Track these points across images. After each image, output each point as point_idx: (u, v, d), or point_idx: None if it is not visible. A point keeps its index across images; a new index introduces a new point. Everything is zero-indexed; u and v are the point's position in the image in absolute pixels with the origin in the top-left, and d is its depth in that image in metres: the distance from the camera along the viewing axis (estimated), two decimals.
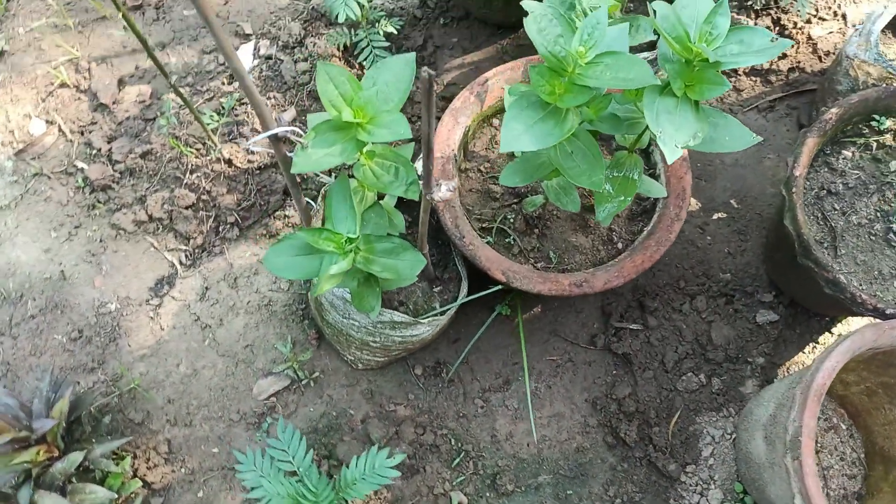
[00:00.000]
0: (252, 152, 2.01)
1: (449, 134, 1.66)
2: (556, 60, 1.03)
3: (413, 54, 1.25)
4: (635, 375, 1.84)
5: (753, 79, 2.14)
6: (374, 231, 1.40)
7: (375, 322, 1.57)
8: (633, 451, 1.77)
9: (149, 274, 1.96)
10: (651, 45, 1.67)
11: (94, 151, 2.08)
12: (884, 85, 1.76)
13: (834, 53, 2.13)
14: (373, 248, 1.34)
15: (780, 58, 2.12)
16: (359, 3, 1.76)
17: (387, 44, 1.96)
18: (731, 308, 1.89)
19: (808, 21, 2.08)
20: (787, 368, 1.84)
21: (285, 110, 2.02)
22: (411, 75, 1.25)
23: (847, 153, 1.68)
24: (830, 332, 1.88)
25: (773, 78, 2.13)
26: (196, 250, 1.97)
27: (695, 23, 1.11)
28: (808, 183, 1.65)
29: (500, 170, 1.73)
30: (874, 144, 1.67)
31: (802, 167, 1.57)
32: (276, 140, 1.18)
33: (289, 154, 1.22)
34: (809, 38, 2.12)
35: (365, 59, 1.97)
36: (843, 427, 1.78)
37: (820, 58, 2.13)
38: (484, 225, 1.68)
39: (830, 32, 2.14)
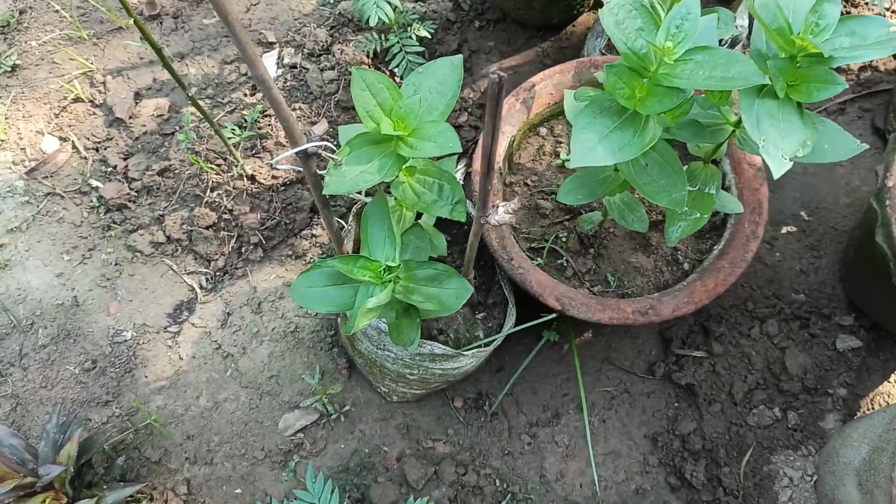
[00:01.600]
0: (277, 168, 1.86)
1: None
2: (636, 58, 0.86)
3: (460, 56, 1.09)
4: (700, 409, 1.66)
5: None
6: (415, 256, 1.24)
7: (413, 354, 1.42)
8: (701, 495, 1.58)
9: (167, 299, 1.83)
10: (731, 44, 1.50)
11: (110, 169, 1.95)
12: None
13: None
14: (413, 276, 1.18)
15: None
16: (391, 4, 1.61)
17: (420, 49, 1.81)
18: (806, 333, 1.70)
19: (882, 14, 1.89)
20: (872, 400, 1.65)
21: (315, 123, 1.88)
22: (458, 80, 1.10)
23: None
24: None
25: (843, 77, 1.94)
26: (217, 273, 1.83)
27: (798, 12, 0.94)
28: None
29: (548, 183, 1.56)
30: None
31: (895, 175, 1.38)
32: (305, 157, 1.03)
33: (320, 172, 1.07)
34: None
35: (397, 66, 1.82)
36: None
37: (895, 55, 1.94)
38: (533, 245, 1.51)
39: None
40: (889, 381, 1.66)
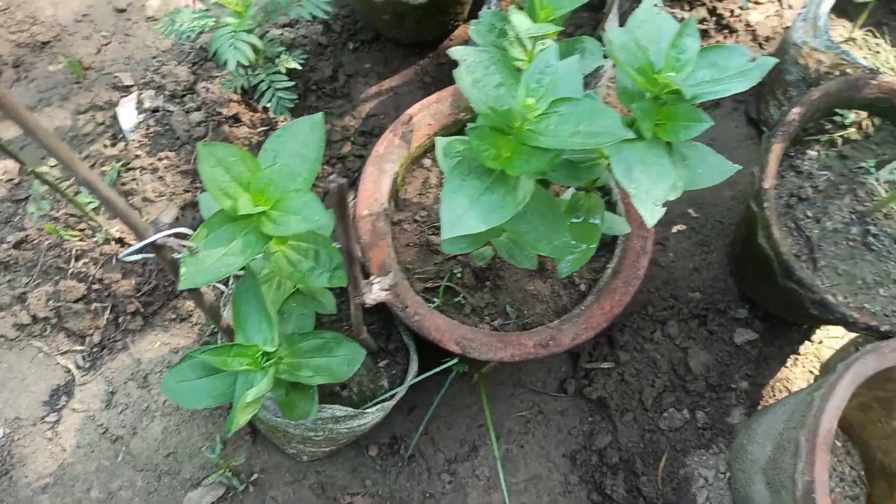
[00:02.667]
0: (125, 261, 1.72)
1: (375, 186, 1.43)
2: (498, 117, 0.81)
3: (321, 115, 1.01)
4: (613, 420, 1.66)
5: None
6: (299, 326, 1.16)
7: (314, 419, 1.33)
8: None
9: (40, 385, 1.66)
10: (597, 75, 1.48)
11: None
12: (838, 73, 1.62)
13: (774, 38, 2.00)
14: (299, 350, 1.10)
15: None
16: (251, 44, 1.50)
17: (290, 83, 1.71)
18: (705, 330, 1.73)
19: (744, 7, 1.94)
20: (773, 387, 1.70)
21: (185, 171, 1.74)
22: (321, 141, 1.02)
23: (812, 153, 1.53)
24: (811, 341, 1.74)
25: None
26: (94, 349, 1.68)
27: (658, 48, 0.92)
28: (776, 192, 1.50)
29: (437, 218, 1.51)
30: (839, 140, 1.53)
31: (771, 178, 1.41)
32: (156, 248, 0.93)
33: (177, 257, 0.97)
34: (748, 25, 1.99)
35: (268, 103, 1.71)
36: (839, 444, 1.64)
37: (760, 44, 2.00)
38: (428, 284, 1.46)
39: (768, 16, 2.01)
40: (786, 367, 1.72)
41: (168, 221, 1.21)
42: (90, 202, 1.65)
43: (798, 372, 1.72)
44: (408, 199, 1.53)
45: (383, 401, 1.36)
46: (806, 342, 1.74)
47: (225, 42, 1.46)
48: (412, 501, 1.59)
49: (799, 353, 1.73)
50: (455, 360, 1.33)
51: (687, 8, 1.91)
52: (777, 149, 1.42)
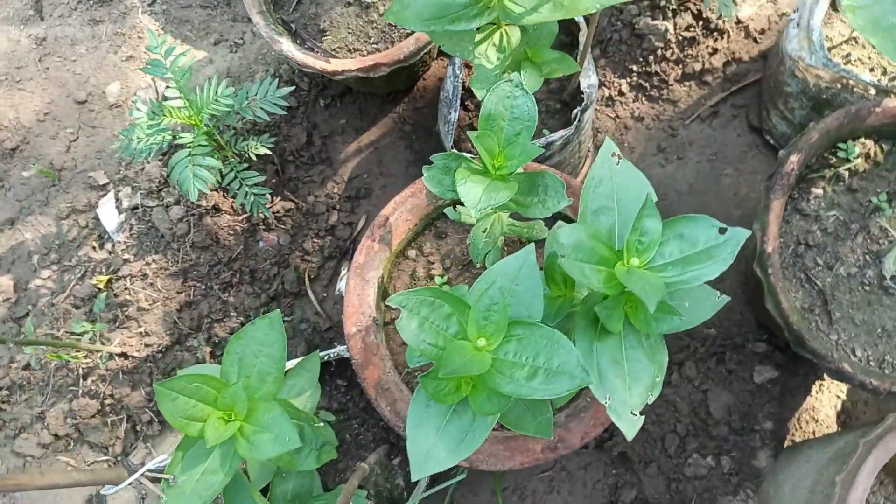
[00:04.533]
0: (147, 334, 1.72)
1: (361, 299, 1.38)
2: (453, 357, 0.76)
3: (277, 312, 0.98)
4: (637, 472, 1.65)
5: (687, 84, 1.85)
6: (296, 495, 1.15)
7: None
8: None
9: (75, 497, 1.71)
10: (583, 109, 1.40)
11: None
12: (839, 87, 1.49)
13: (770, 29, 1.84)
14: None
15: (711, 53, 1.83)
16: (209, 168, 1.43)
17: (261, 178, 1.64)
18: (723, 369, 1.67)
19: (734, 1, 1.78)
20: (799, 419, 1.65)
21: (133, 447, 1.71)
22: (282, 336, 0.98)
23: (817, 191, 1.43)
24: None
25: (709, 78, 1.84)
26: (119, 457, 1.71)
27: (622, 216, 0.84)
28: (781, 241, 1.41)
29: None
30: (846, 174, 1.42)
31: (773, 239, 1.32)
32: (138, 484, 0.92)
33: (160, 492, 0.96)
34: (739, 21, 1.82)
35: (244, 200, 1.65)
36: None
37: (755, 39, 1.84)
38: None
39: (760, 5, 1.85)
40: (811, 395, 1.67)
41: (138, 461, 1.20)
42: (85, 331, 1.65)
43: (825, 399, 1.66)
44: None
45: None
46: None
47: (183, 170, 1.40)
48: None
49: (824, 379, 1.68)
50: (464, 474, 1.32)
51: (670, 16, 1.76)
52: (777, 206, 1.33)
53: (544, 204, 1.00)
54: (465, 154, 1.04)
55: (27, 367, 1.73)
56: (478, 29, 1.16)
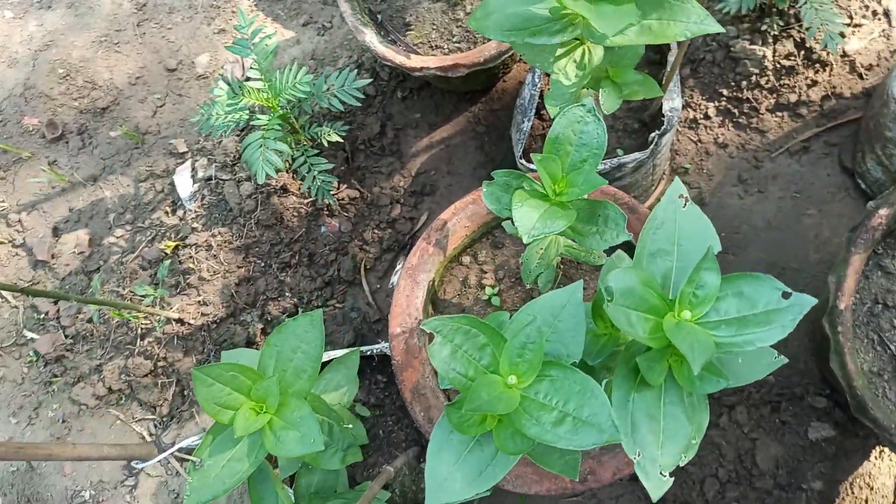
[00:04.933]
0: (205, 304, 1.77)
1: (408, 300, 1.38)
2: (482, 390, 0.74)
3: (319, 312, 0.98)
4: None
5: (780, 115, 1.75)
6: (320, 489, 1.16)
7: None
8: None
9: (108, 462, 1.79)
10: (662, 133, 1.35)
11: (42, 315, 1.88)
12: None
13: (878, 65, 1.72)
14: None
15: (810, 85, 1.72)
16: (279, 152, 1.45)
17: (330, 166, 1.65)
18: (777, 419, 1.59)
19: (841, 34, 1.66)
20: (851, 484, 1.55)
21: (163, 428, 1.75)
22: (320, 336, 0.99)
23: None
24: None
25: (803, 111, 1.74)
26: (164, 419, 1.78)
27: (681, 261, 0.80)
28: (857, 297, 1.32)
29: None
30: None
31: (848, 295, 1.24)
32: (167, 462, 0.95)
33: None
34: (844, 54, 1.71)
35: (309, 189, 1.67)
36: None
37: (861, 74, 1.72)
38: None
39: (872, 39, 1.72)
40: (869, 460, 1.56)
41: (170, 440, 1.23)
42: (147, 294, 1.71)
43: (883, 467, 1.56)
44: (447, 299, 1.48)
45: None
46: None
47: (254, 151, 1.42)
48: None
49: (884, 445, 1.57)
50: (488, 492, 1.30)
51: (770, 42, 1.66)
52: (857, 260, 1.24)
53: (602, 235, 0.97)
54: (527, 174, 1.02)
55: (90, 320, 1.82)
56: (560, 43, 1.12)
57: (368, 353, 1.53)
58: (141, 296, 1.73)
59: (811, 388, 1.60)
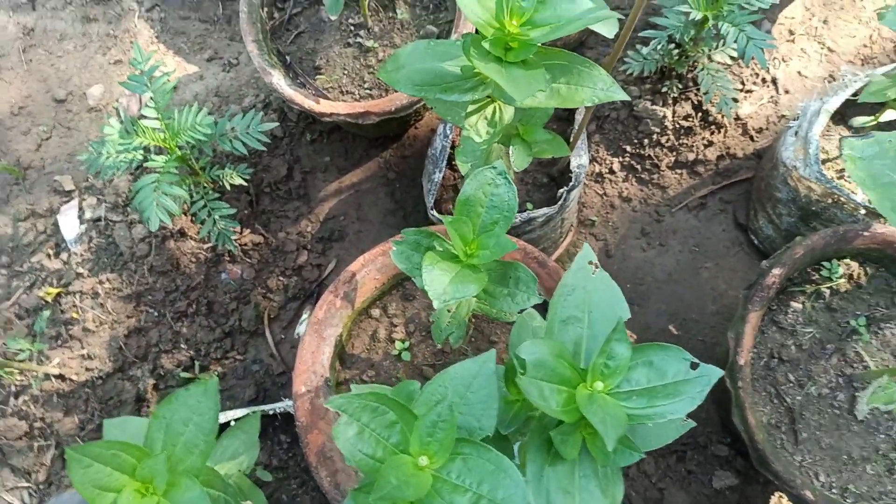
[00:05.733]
0: (90, 357, 1.63)
1: (314, 357, 1.32)
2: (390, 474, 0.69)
3: (215, 380, 0.90)
4: None
5: (679, 172, 1.82)
6: None
7: None
8: None
9: None
10: (571, 188, 1.36)
11: None
12: (830, 202, 1.47)
13: (767, 129, 1.83)
14: None
15: (706, 145, 1.80)
16: (174, 196, 1.36)
17: (232, 211, 1.57)
18: (683, 468, 1.62)
19: (734, 99, 1.76)
20: None
21: (127, 296, 1.61)
22: (215, 407, 0.91)
23: (797, 305, 1.39)
24: None
25: (700, 169, 1.82)
26: (41, 486, 1.61)
27: (592, 330, 0.79)
28: (754, 352, 1.37)
29: (387, 377, 1.40)
30: (827, 293, 1.39)
31: (747, 351, 1.28)
32: None
33: None
34: (737, 118, 1.81)
35: (208, 234, 1.58)
36: None
37: (752, 137, 1.83)
38: None
39: (761, 104, 1.83)
40: None
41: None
42: (23, 349, 1.55)
43: None
44: (355, 354, 1.42)
45: None
46: None
47: (147, 196, 1.33)
48: None
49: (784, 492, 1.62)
50: None
51: (670, 103, 1.74)
52: (754, 317, 1.29)
53: (513, 298, 0.95)
54: (438, 232, 0.99)
55: None
56: (471, 100, 1.11)
57: (271, 411, 1.45)
58: (15, 350, 1.57)
59: (714, 437, 1.64)
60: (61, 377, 1.60)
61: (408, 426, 0.71)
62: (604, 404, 0.72)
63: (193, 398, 0.89)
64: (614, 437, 0.69)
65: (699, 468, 1.61)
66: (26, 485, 1.61)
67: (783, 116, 1.83)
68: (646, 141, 1.77)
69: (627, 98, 0.96)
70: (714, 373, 0.76)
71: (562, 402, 0.74)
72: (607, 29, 1.06)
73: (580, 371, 0.77)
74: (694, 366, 0.76)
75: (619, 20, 1.00)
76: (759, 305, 1.30)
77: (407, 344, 1.40)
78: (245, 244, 1.73)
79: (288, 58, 1.68)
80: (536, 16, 0.93)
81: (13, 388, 1.61)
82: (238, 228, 1.69)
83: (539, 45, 0.92)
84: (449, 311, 1.10)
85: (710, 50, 1.65)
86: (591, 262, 0.84)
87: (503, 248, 0.89)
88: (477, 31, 0.98)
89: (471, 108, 1.13)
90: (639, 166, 1.80)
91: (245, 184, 1.63)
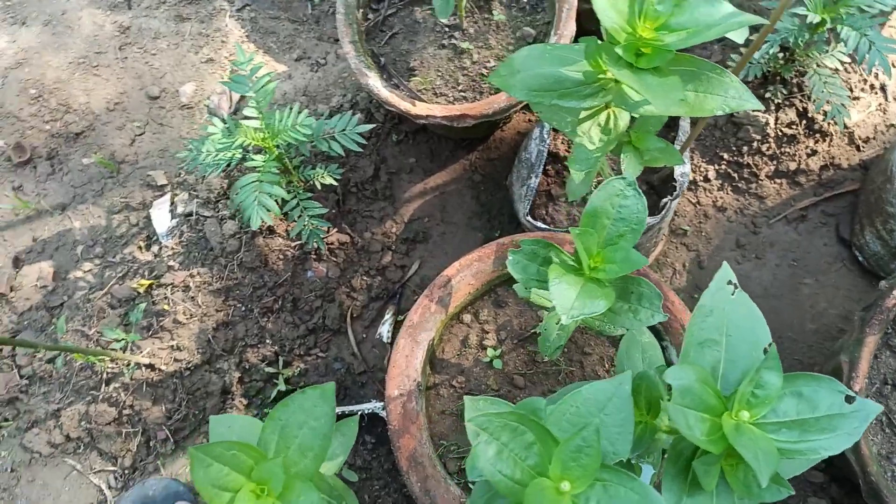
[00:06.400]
0: (179, 349, 1.66)
1: (408, 361, 1.30)
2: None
3: (331, 385, 0.89)
4: None
5: (778, 181, 1.75)
6: None
7: None
8: None
9: (80, 500, 1.64)
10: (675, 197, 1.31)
11: None
12: None
13: (875, 138, 1.74)
14: None
15: (809, 154, 1.73)
16: (274, 196, 1.37)
17: (323, 210, 1.57)
18: None
19: (845, 105, 1.68)
20: None
21: (217, 289, 1.64)
22: (331, 412, 0.90)
23: None
24: None
25: (802, 179, 1.74)
26: (126, 471, 1.64)
27: (731, 353, 0.75)
28: (867, 378, 1.30)
29: (477, 384, 1.38)
30: None
31: (862, 377, 1.21)
32: None
33: None
34: (844, 126, 1.72)
35: (300, 233, 1.58)
36: None
37: (858, 146, 1.74)
38: (463, 465, 1.34)
39: (870, 112, 1.74)
40: None
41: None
42: (118, 339, 1.59)
43: None
44: (445, 359, 1.40)
45: None
46: None
47: (249, 195, 1.34)
48: None
49: None
50: None
51: (773, 109, 1.66)
52: (871, 342, 1.22)
53: (636, 314, 0.91)
54: (554, 242, 0.96)
55: (51, 360, 1.68)
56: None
57: (358, 412, 1.44)
58: (110, 339, 1.61)
59: None
60: (151, 367, 1.63)
61: (545, 448, 0.68)
62: (753, 437, 0.68)
63: (309, 401, 0.89)
64: (768, 473, 0.65)
65: (791, 497, 1.54)
66: (112, 468, 1.65)
67: (892, 125, 1.74)
68: (745, 148, 1.70)
69: (762, 107, 0.91)
70: (872, 409, 0.71)
71: (706, 430, 0.70)
72: (738, 34, 1.01)
73: (722, 399, 0.73)
74: (849, 399, 0.71)
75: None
76: (878, 329, 1.23)
77: (498, 351, 1.38)
78: (331, 243, 1.73)
79: (382, 59, 1.67)
80: (672, 20, 0.89)
81: (105, 375, 1.64)
82: (327, 228, 1.69)
83: (675, 51, 0.88)
84: (557, 322, 1.07)
85: (820, 55, 1.57)
86: (730, 283, 0.80)
87: (632, 263, 0.85)
88: (601, 35, 0.95)
89: (584, 114, 1.09)
90: (736, 175, 1.74)
91: (335, 183, 1.63)
